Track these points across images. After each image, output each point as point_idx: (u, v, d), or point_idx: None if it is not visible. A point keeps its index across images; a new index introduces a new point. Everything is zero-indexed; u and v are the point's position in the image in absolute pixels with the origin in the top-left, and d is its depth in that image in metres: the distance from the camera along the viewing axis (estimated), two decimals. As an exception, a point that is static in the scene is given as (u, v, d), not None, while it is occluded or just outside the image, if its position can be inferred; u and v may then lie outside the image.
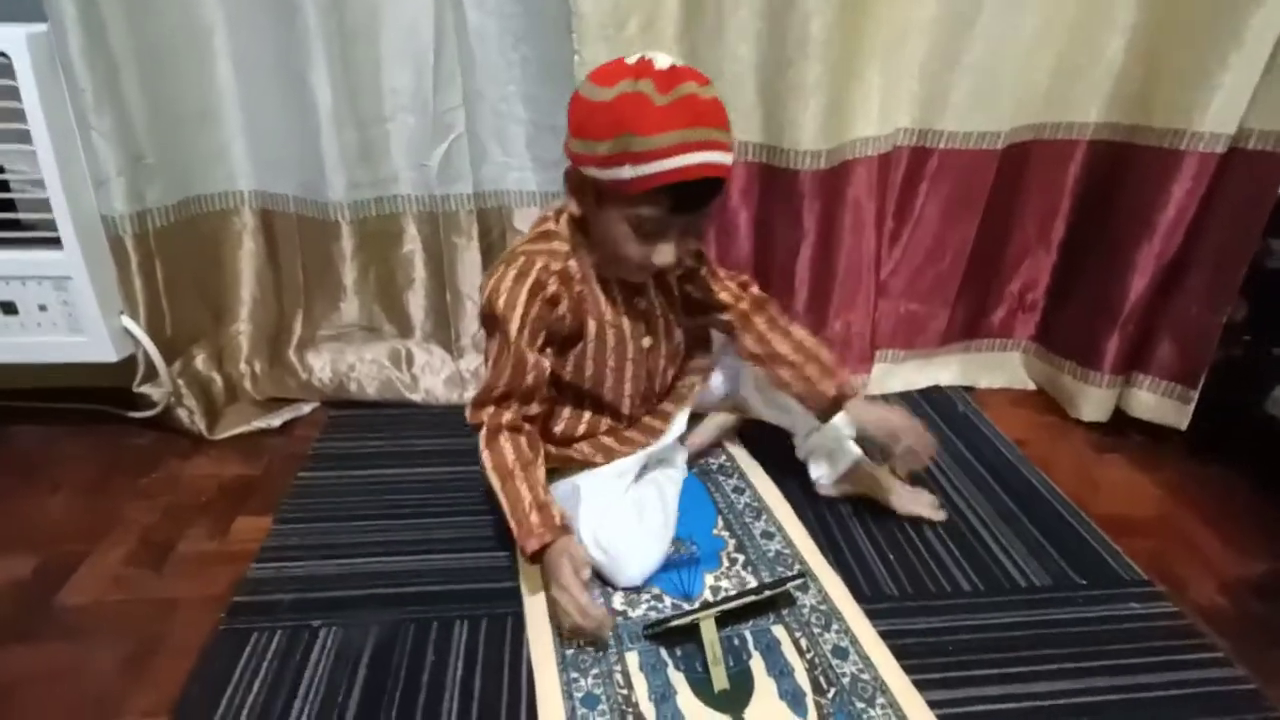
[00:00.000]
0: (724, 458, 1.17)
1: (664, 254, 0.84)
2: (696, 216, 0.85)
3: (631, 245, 0.84)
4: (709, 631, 0.81)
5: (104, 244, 1.07)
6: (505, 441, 0.89)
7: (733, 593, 0.90)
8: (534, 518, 0.85)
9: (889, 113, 1.17)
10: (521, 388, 0.89)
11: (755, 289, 1.05)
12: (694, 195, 0.81)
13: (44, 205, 1.01)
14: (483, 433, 0.90)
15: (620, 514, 0.94)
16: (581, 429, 0.99)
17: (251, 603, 0.89)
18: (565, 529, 0.86)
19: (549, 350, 0.91)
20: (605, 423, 1.01)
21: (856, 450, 1.08)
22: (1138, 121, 1.20)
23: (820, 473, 1.09)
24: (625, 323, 0.95)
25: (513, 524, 0.86)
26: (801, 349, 1.01)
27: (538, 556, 0.86)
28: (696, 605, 0.88)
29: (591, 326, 0.92)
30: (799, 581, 0.90)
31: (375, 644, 0.84)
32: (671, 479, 1.05)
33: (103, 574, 0.95)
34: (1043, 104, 1.23)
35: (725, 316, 1.04)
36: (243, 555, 0.97)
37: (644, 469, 1.04)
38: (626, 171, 0.77)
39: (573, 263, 0.89)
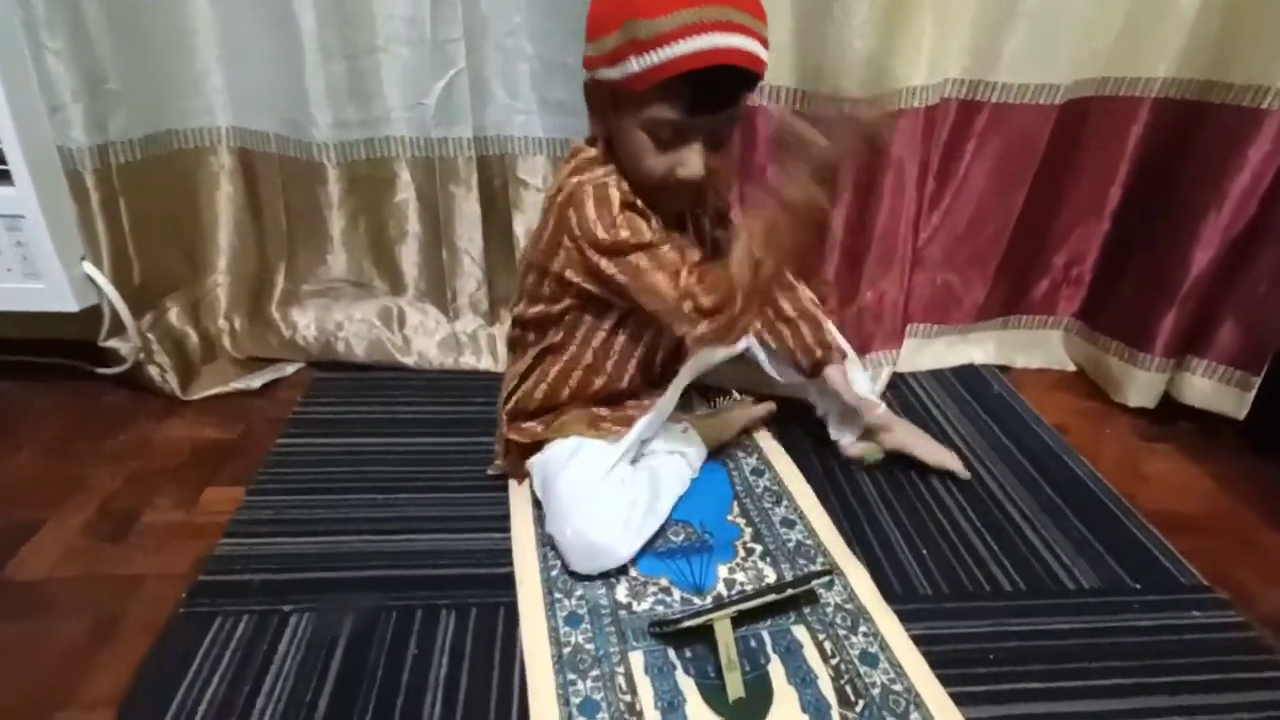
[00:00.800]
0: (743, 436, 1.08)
1: (690, 164, 0.74)
2: (721, 119, 0.74)
3: (652, 157, 0.74)
4: (724, 633, 0.72)
5: (61, 180, 0.96)
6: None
7: (750, 588, 0.82)
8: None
9: (938, 61, 1.05)
10: (690, 256, 0.77)
11: None
12: (714, 90, 0.70)
13: (-10, 133, 0.91)
14: (723, 312, 0.75)
15: (607, 500, 0.83)
16: (598, 383, 0.90)
17: (218, 583, 0.81)
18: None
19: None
20: (624, 378, 0.91)
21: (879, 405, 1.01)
22: (1212, 78, 1.08)
23: (840, 434, 1.02)
24: None
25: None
26: (801, 310, 0.97)
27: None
28: (709, 602, 0.80)
29: None
30: (826, 579, 0.81)
31: (351, 633, 0.76)
32: (674, 470, 0.94)
33: (58, 545, 0.87)
34: (1106, 57, 1.11)
35: None
36: (211, 529, 0.88)
37: (646, 447, 0.94)
38: (632, 64, 0.68)
39: (625, 184, 0.79)
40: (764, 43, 0.70)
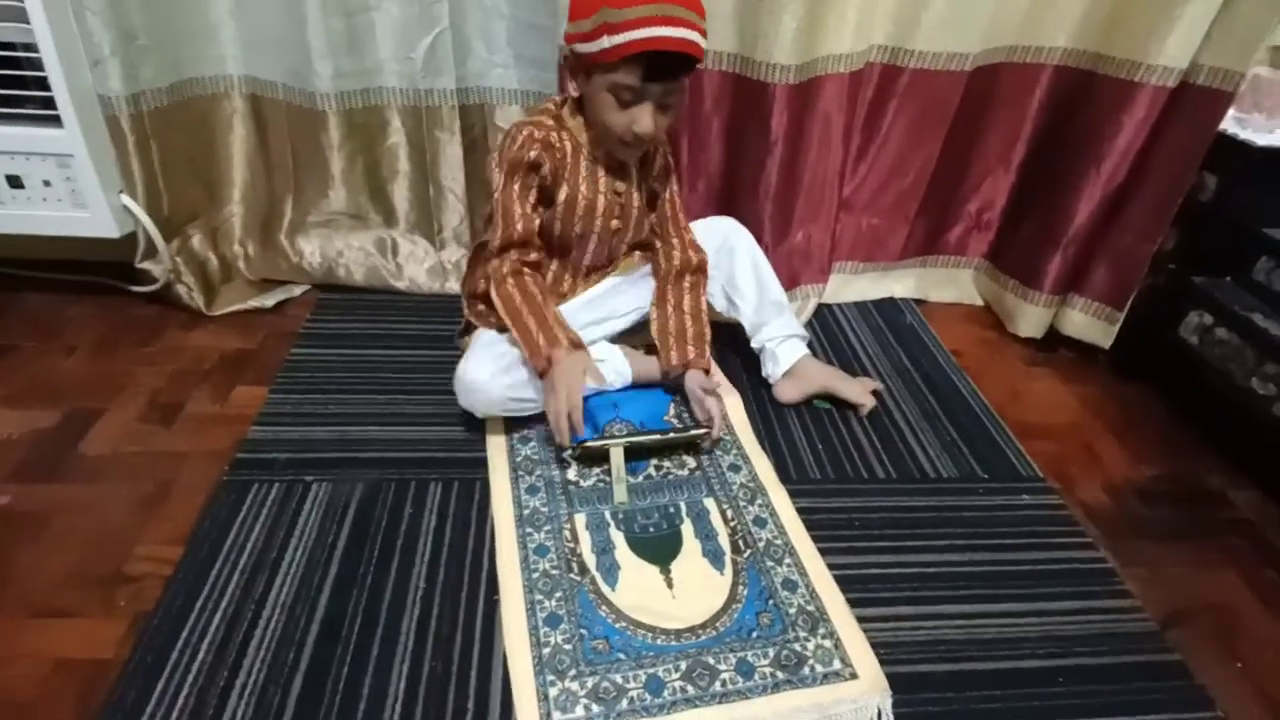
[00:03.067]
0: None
1: (642, 122, 0.96)
2: (668, 88, 0.95)
3: (613, 113, 0.96)
4: (617, 456, 1.00)
5: (102, 124, 1.12)
6: (511, 287, 1.03)
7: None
8: (540, 340, 0.99)
9: (863, 30, 1.20)
10: (513, 238, 1.03)
11: (703, 255, 1.16)
12: (664, 66, 0.92)
13: (43, 83, 1.06)
14: (492, 282, 1.03)
15: (491, 352, 1.04)
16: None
17: (252, 459, 1.02)
18: (575, 345, 1.01)
19: (540, 208, 1.04)
20: (563, 284, 1.13)
21: (802, 349, 1.19)
22: (1101, 51, 1.24)
23: (769, 370, 1.20)
24: (600, 200, 1.06)
25: (526, 352, 1.00)
26: (695, 316, 1.13)
27: (547, 372, 0.99)
28: (620, 430, 1.06)
29: (563, 192, 1.04)
30: (701, 432, 1.05)
31: (360, 498, 0.97)
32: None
33: (119, 428, 1.07)
34: (1015, 27, 1.27)
35: (660, 246, 1.16)
36: (242, 419, 1.09)
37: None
38: (605, 41, 0.89)
39: (554, 134, 1.01)
40: (703, 34, 0.93)
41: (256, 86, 1.26)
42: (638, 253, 1.18)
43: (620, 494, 0.98)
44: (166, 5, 1.15)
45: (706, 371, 1.10)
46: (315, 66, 1.20)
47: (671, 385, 1.15)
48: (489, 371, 1.02)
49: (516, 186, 1.01)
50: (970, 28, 1.23)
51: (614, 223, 1.09)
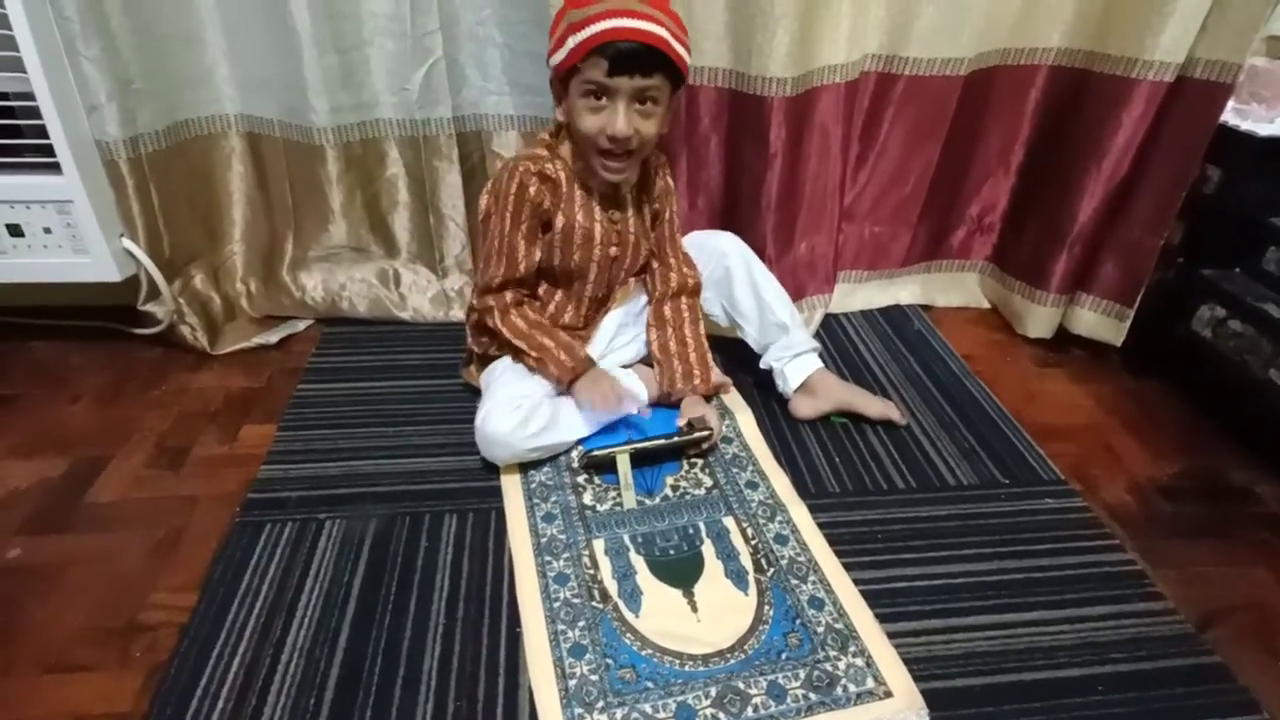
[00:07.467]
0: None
1: (615, 122, 0.95)
2: (639, 86, 0.94)
3: (588, 117, 0.96)
4: (623, 464, 1.02)
5: (101, 169, 1.12)
6: (516, 317, 1.07)
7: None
8: (563, 356, 1.04)
9: (857, 40, 1.20)
10: (515, 276, 1.05)
11: (698, 277, 1.18)
12: (630, 59, 0.92)
13: (41, 131, 1.06)
14: (495, 314, 1.06)
15: (508, 402, 1.03)
16: (546, 314, 1.12)
17: (263, 499, 1.00)
18: (590, 361, 1.07)
19: (539, 242, 1.06)
20: (565, 315, 1.13)
21: (813, 364, 1.17)
22: (1095, 49, 1.24)
23: (781, 387, 1.18)
24: (596, 229, 1.07)
25: (551, 368, 1.05)
26: (695, 338, 1.16)
27: (572, 384, 1.05)
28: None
29: (560, 221, 1.05)
30: (705, 434, 1.06)
31: (375, 534, 0.96)
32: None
33: (127, 474, 1.06)
34: (1008, 29, 1.27)
35: (656, 267, 1.18)
36: (252, 458, 1.07)
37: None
38: (570, 42, 0.92)
39: (549, 165, 1.03)
40: (670, 32, 0.93)
41: (253, 125, 1.26)
42: (632, 280, 1.17)
43: (629, 500, 1.00)
44: (161, 50, 1.15)
45: (707, 399, 1.15)
46: (311, 102, 1.21)
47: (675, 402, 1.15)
48: (510, 424, 1.01)
49: (524, 226, 1.03)
50: (963, 32, 1.23)
51: (612, 250, 1.09)
